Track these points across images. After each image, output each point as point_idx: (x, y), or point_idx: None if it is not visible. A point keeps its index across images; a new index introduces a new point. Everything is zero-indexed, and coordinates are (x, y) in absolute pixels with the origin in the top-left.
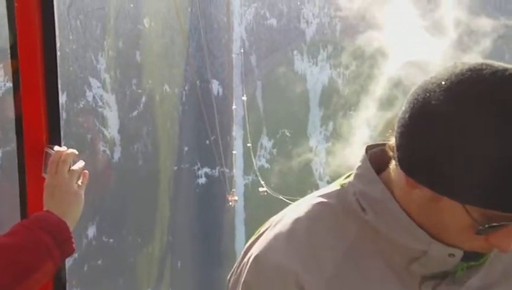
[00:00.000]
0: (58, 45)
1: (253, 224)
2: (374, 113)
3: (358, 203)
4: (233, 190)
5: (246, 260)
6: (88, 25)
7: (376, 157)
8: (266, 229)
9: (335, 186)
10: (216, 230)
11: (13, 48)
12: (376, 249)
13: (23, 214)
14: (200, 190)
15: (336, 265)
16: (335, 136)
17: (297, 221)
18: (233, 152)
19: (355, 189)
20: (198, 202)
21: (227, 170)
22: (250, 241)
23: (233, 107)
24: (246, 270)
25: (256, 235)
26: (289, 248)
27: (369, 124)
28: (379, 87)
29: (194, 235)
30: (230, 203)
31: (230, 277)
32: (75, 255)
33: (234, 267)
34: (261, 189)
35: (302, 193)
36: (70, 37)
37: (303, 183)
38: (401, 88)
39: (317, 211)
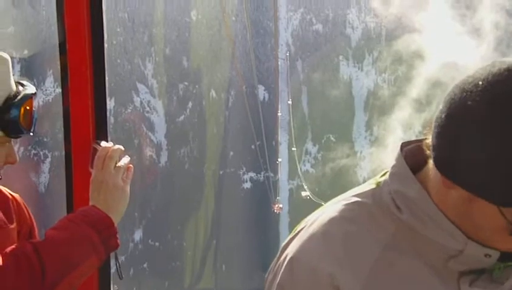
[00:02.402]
0: (105, 37)
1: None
2: (422, 118)
3: (394, 202)
4: (277, 198)
5: (281, 260)
6: (136, 31)
7: (412, 155)
8: (302, 229)
9: (370, 185)
10: (261, 234)
11: (62, 44)
12: (413, 248)
13: (70, 208)
14: (245, 194)
15: (373, 266)
16: (380, 141)
17: (332, 221)
18: (279, 160)
19: (391, 188)
20: (243, 206)
21: (272, 175)
22: (287, 239)
23: (279, 112)
24: (281, 271)
25: (293, 234)
26: (324, 249)
27: (414, 129)
28: (420, 90)
29: (239, 239)
30: (276, 211)
31: (268, 275)
32: (122, 258)
33: (272, 265)
34: (303, 193)
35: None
36: (114, 42)
37: (347, 188)
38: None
39: (352, 210)
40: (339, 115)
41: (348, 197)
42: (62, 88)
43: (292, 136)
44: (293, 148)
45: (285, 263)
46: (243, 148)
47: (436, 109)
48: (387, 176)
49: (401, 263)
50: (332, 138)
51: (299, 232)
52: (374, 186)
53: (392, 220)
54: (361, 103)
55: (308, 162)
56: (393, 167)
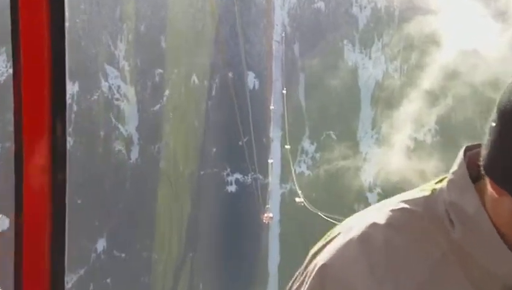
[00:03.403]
0: (67, 25)
1: (290, 241)
2: (436, 114)
3: (448, 215)
4: (267, 206)
5: (310, 268)
6: (104, 5)
7: (474, 161)
8: (337, 235)
9: (424, 191)
10: (247, 247)
11: (14, 19)
12: (464, 271)
13: (18, 209)
14: (230, 199)
15: (417, 287)
16: (389, 140)
17: (375, 229)
18: (270, 161)
19: (447, 198)
20: (226, 214)
21: (261, 177)
22: (316, 246)
23: (271, 105)
24: (310, 280)
25: (325, 241)
26: (362, 260)
27: (430, 127)
28: (435, 81)
29: (221, 251)
30: (265, 221)
31: (292, 284)
32: (81, 271)
33: (297, 274)
34: (297, 199)
35: (347, 208)
36: (84, 18)
37: (349, 195)
38: (463, 83)
39: (399, 219)
40: (341, 109)
41: (395, 202)
42: (14, 70)
43: (286, 132)
44: (286, 146)
45: (315, 271)
46: (228, 145)
47: (453, 102)
48: (444, 183)
49: (449, 287)
50: (333, 136)
51: (333, 238)
52: (427, 193)
53: (443, 235)
54: (368, 95)
55: (304, 163)
56: (453, 173)
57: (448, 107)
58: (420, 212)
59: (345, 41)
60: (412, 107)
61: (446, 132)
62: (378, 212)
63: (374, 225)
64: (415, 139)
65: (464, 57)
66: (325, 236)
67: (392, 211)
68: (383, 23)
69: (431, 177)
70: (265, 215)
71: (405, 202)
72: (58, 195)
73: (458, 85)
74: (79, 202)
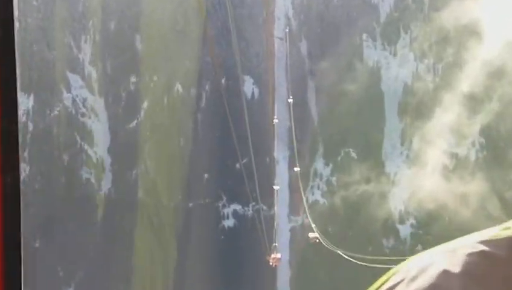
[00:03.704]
0: (16, 25)
1: (303, 287)
2: (479, 123)
3: None
4: (274, 244)
5: None
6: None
7: None
8: (398, 283)
9: (508, 229)
10: None
11: None
12: None
13: None
14: (227, 237)
15: None
16: (422, 157)
17: (447, 277)
18: (275, 187)
19: None
20: (224, 256)
21: (265, 208)
22: None
23: (275, 117)
24: None
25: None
26: None
27: (473, 140)
28: (476, 82)
29: None
30: (272, 264)
31: None
32: None
33: None
34: (311, 235)
35: (373, 245)
36: (38, 16)
37: (375, 228)
38: None
39: (478, 266)
40: (362, 121)
41: (472, 243)
42: None
43: (294, 150)
44: (295, 169)
45: None
46: (223, 169)
47: (500, 107)
48: None
49: None
50: (352, 154)
51: (393, 287)
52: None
53: None
54: (395, 103)
55: (318, 188)
56: None
57: (494, 113)
58: (504, 257)
59: (364, 36)
60: (449, 116)
61: (493, 145)
62: (449, 256)
63: (446, 274)
64: (455, 156)
65: (510, 50)
66: (378, 282)
67: (469, 255)
68: (410, 12)
69: (476, 203)
70: (272, 256)
71: (484, 243)
72: (10, 239)
73: (505, 85)
74: (37, 245)
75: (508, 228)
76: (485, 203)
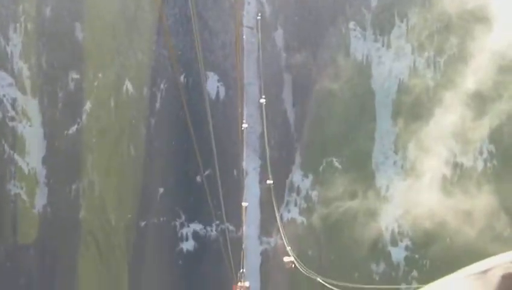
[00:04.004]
0: None
1: None
2: (488, 127)
3: None
4: (241, 271)
5: None
6: None
7: None
8: None
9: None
10: None
11: None
12: None
13: None
14: (186, 262)
15: None
16: (419, 169)
17: None
18: (244, 204)
19: None
20: (182, 285)
21: (231, 228)
22: None
23: (244, 121)
24: None
25: None
26: None
27: (480, 146)
28: (484, 78)
29: None
30: None
31: None
32: None
33: None
34: (286, 259)
35: (360, 271)
36: None
37: (362, 251)
38: None
39: (511, 287)
40: (348, 125)
41: (505, 262)
42: None
43: (267, 161)
44: (268, 182)
45: None
46: (181, 183)
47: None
48: None
49: None
50: (336, 163)
51: None
52: None
53: None
54: (387, 103)
55: (295, 205)
56: None
57: (505, 114)
58: None
59: (351, 25)
60: (452, 118)
61: (504, 153)
62: (479, 279)
63: None
64: (459, 166)
65: None
66: None
67: (503, 276)
68: None
69: (482, 221)
70: (240, 284)
71: (502, 268)
72: None
73: None
74: None
75: None
76: (492, 221)
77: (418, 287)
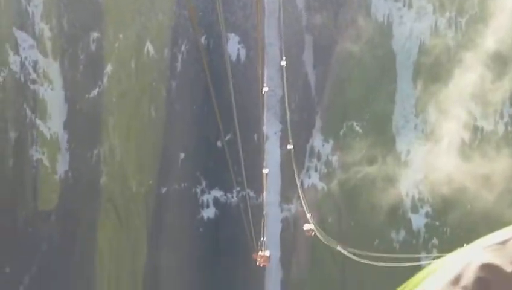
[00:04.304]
0: None
1: None
2: (509, 89)
3: None
4: (262, 239)
5: None
6: None
7: None
8: (437, 284)
9: None
10: None
11: None
12: None
13: None
14: (206, 230)
15: None
16: (440, 133)
17: (495, 272)
18: (265, 171)
19: None
20: (202, 253)
21: (252, 194)
22: None
23: (265, 84)
24: None
25: None
26: None
27: (496, 107)
28: (505, 39)
29: None
30: (259, 263)
31: None
32: None
33: None
34: (306, 226)
35: (380, 238)
36: None
37: (382, 217)
38: None
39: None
40: (369, 87)
41: (507, 240)
42: None
43: (288, 124)
44: (289, 146)
45: None
46: (202, 147)
47: None
48: None
49: None
50: (356, 128)
51: None
52: None
53: None
54: (409, 64)
55: (316, 170)
56: None
57: None
58: None
59: None
60: (471, 79)
61: None
62: (497, 250)
63: (496, 269)
64: (480, 130)
65: None
66: (411, 284)
67: (496, 248)
68: None
69: (502, 186)
70: (260, 253)
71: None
72: None
73: None
74: None
75: None
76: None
77: (437, 257)
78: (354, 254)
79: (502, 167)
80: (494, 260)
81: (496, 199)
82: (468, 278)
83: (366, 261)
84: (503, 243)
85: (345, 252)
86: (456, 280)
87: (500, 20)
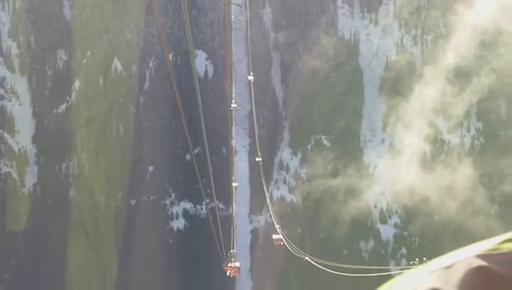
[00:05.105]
0: None
1: None
2: (473, 109)
3: None
4: (231, 251)
5: None
6: None
7: None
8: None
9: (508, 241)
10: None
11: None
12: None
13: None
14: (176, 241)
15: None
16: (406, 145)
17: None
18: (234, 184)
19: None
20: (172, 264)
21: (221, 206)
22: None
23: (233, 99)
24: None
25: None
26: None
27: (467, 124)
28: (468, 53)
29: None
30: (229, 274)
31: None
32: None
33: None
34: (275, 237)
35: (350, 249)
36: None
37: (352, 228)
38: None
39: (473, 282)
40: (336, 102)
41: (468, 258)
42: None
43: (256, 138)
44: (257, 159)
45: None
46: (171, 161)
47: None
48: None
49: None
50: (324, 141)
51: None
52: None
53: None
54: (375, 80)
55: (285, 183)
56: None
57: (486, 86)
58: (502, 272)
59: (339, 2)
60: (435, 94)
61: (486, 129)
62: (443, 275)
63: None
64: (447, 143)
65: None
66: None
67: (466, 272)
68: None
69: (464, 196)
70: (230, 264)
71: (481, 257)
72: None
73: (502, 58)
74: None
75: (510, 240)
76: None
77: (403, 268)
78: (322, 265)
79: (463, 178)
80: (440, 285)
81: (459, 208)
82: None
83: (334, 272)
84: (448, 267)
85: (313, 263)
86: None
87: (461, 37)
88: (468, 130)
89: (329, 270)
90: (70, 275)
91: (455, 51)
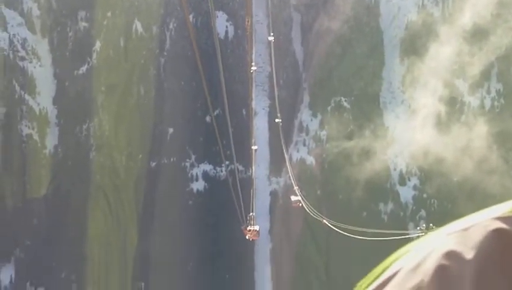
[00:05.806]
0: None
1: (285, 262)
2: (495, 64)
3: None
4: (250, 214)
5: None
6: None
7: None
8: (397, 272)
9: None
10: (223, 279)
11: None
12: None
13: None
14: (195, 203)
15: None
16: (426, 107)
17: (457, 259)
18: (253, 147)
19: None
20: (191, 225)
21: (241, 168)
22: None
23: (253, 60)
24: None
25: (374, 280)
26: None
27: (490, 84)
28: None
29: (183, 282)
30: (248, 237)
31: None
32: None
33: None
34: (293, 198)
35: (368, 211)
36: None
37: (371, 191)
38: None
39: (491, 244)
40: (356, 63)
41: (486, 220)
42: None
43: (276, 99)
44: (277, 120)
45: None
46: (191, 122)
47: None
48: None
49: None
50: (344, 103)
51: (390, 278)
52: None
53: None
54: (395, 41)
55: (304, 145)
56: None
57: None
58: None
59: None
60: (451, 53)
61: (506, 88)
62: (460, 237)
63: (456, 256)
64: (467, 104)
65: None
66: (374, 272)
67: (481, 233)
68: None
69: (480, 155)
70: (249, 228)
71: (500, 219)
72: None
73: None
74: None
75: None
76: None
77: (420, 234)
78: (339, 228)
79: (482, 140)
80: (456, 247)
81: (476, 168)
82: (429, 264)
83: (352, 236)
84: (465, 230)
85: (331, 226)
86: (418, 267)
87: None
88: (489, 92)
89: (347, 234)
90: (90, 232)
91: (472, 10)
